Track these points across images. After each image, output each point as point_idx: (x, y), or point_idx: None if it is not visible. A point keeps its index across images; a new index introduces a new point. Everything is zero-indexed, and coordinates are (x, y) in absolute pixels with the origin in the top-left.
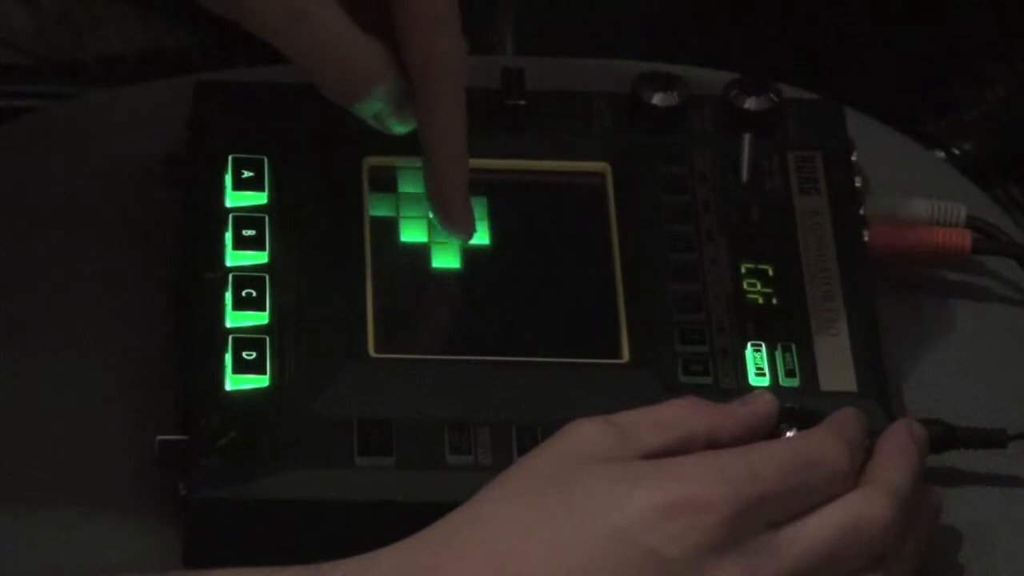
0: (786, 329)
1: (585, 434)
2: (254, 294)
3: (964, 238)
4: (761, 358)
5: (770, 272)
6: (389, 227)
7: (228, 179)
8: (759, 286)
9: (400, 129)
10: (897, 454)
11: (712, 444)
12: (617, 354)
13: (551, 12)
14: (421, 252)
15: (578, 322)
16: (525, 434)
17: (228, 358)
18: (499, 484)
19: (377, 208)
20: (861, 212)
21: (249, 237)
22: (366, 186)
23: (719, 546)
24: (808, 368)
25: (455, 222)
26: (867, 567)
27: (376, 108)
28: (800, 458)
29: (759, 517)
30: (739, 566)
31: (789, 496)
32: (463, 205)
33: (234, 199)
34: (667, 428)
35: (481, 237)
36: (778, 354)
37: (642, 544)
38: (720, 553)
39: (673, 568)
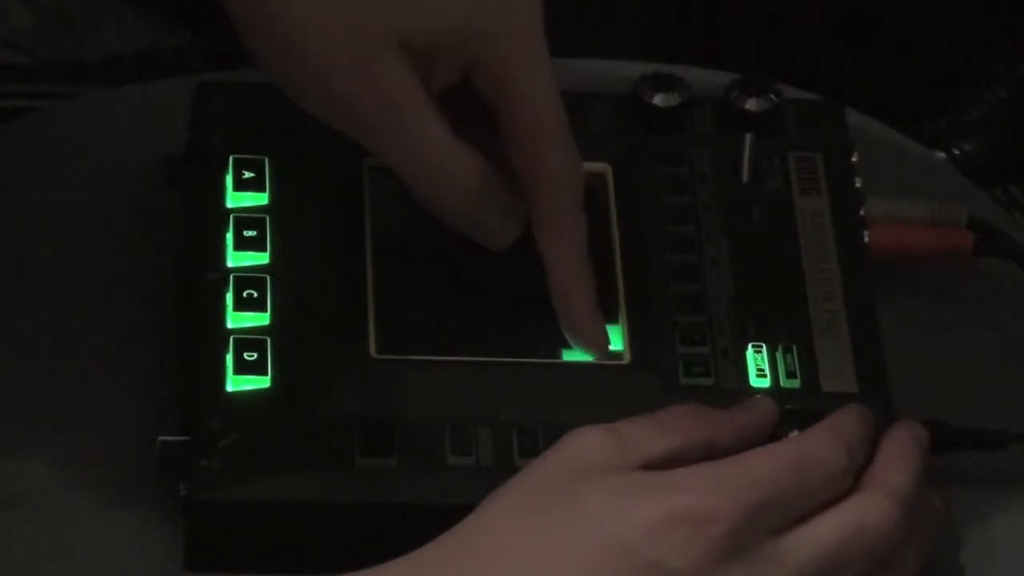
0: (787, 330)
1: (587, 443)
2: (255, 295)
3: (965, 239)
4: (762, 359)
5: (770, 273)
6: (390, 227)
7: (229, 179)
8: (760, 287)
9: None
10: (899, 456)
11: (712, 451)
12: (618, 355)
13: (551, 13)
14: (422, 249)
15: None
16: (526, 435)
17: (229, 359)
18: (504, 495)
19: (376, 207)
20: (861, 213)
21: (250, 238)
22: (366, 186)
23: (723, 557)
24: (809, 369)
25: (586, 340)
26: (871, 571)
27: (481, 222)
28: (797, 460)
29: (761, 524)
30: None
31: (789, 500)
32: (593, 320)
33: (235, 200)
34: (668, 436)
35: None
36: (779, 355)
37: (646, 556)
38: (724, 564)
39: None
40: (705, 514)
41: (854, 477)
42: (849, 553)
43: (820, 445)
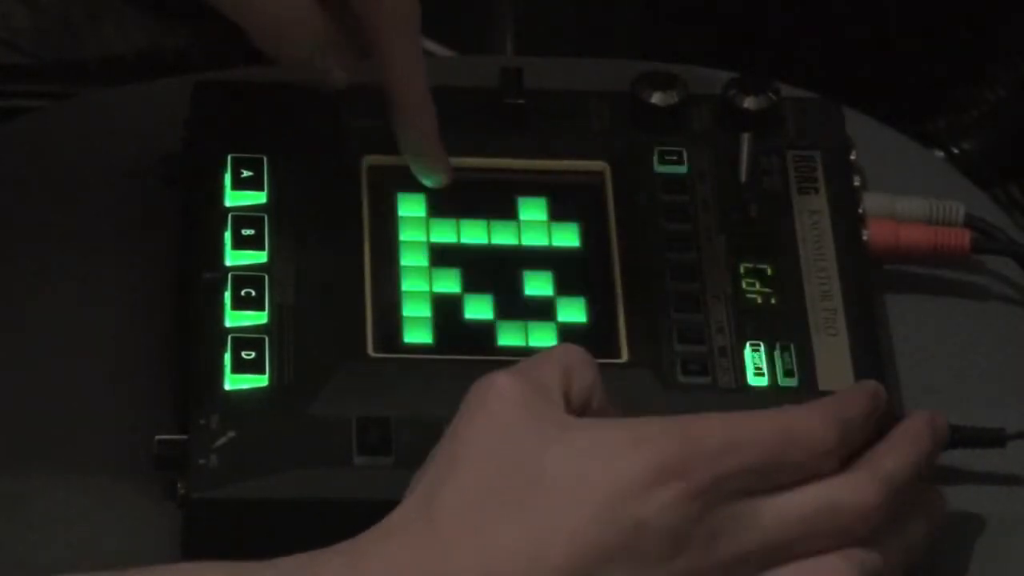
0: (785, 328)
1: (505, 397)
2: (253, 294)
3: (963, 237)
4: (760, 357)
5: (769, 271)
6: (387, 226)
7: (227, 179)
8: (758, 285)
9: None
10: (903, 443)
11: None
12: (616, 353)
13: (551, 12)
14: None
15: (576, 321)
16: None
17: (227, 358)
18: (448, 492)
19: (375, 206)
20: (860, 211)
21: (248, 236)
22: (365, 185)
23: (694, 516)
24: (807, 367)
25: (432, 166)
26: (845, 549)
27: (318, 71)
28: (783, 433)
29: (735, 487)
30: (711, 536)
31: (768, 470)
32: (436, 147)
33: (233, 198)
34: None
35: (480, 236)
36: (777, 353)
37: (624, 515)
38: (694, 522)
39: (651, 536)
40: (679, 472)
41: (842, 458)
42: (819, 528)
43: (811, 421)
